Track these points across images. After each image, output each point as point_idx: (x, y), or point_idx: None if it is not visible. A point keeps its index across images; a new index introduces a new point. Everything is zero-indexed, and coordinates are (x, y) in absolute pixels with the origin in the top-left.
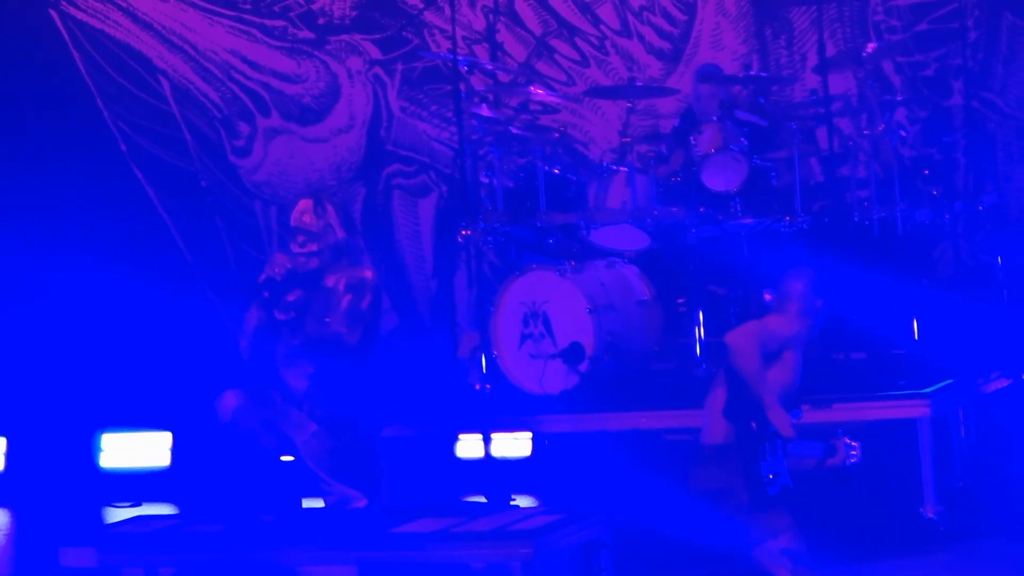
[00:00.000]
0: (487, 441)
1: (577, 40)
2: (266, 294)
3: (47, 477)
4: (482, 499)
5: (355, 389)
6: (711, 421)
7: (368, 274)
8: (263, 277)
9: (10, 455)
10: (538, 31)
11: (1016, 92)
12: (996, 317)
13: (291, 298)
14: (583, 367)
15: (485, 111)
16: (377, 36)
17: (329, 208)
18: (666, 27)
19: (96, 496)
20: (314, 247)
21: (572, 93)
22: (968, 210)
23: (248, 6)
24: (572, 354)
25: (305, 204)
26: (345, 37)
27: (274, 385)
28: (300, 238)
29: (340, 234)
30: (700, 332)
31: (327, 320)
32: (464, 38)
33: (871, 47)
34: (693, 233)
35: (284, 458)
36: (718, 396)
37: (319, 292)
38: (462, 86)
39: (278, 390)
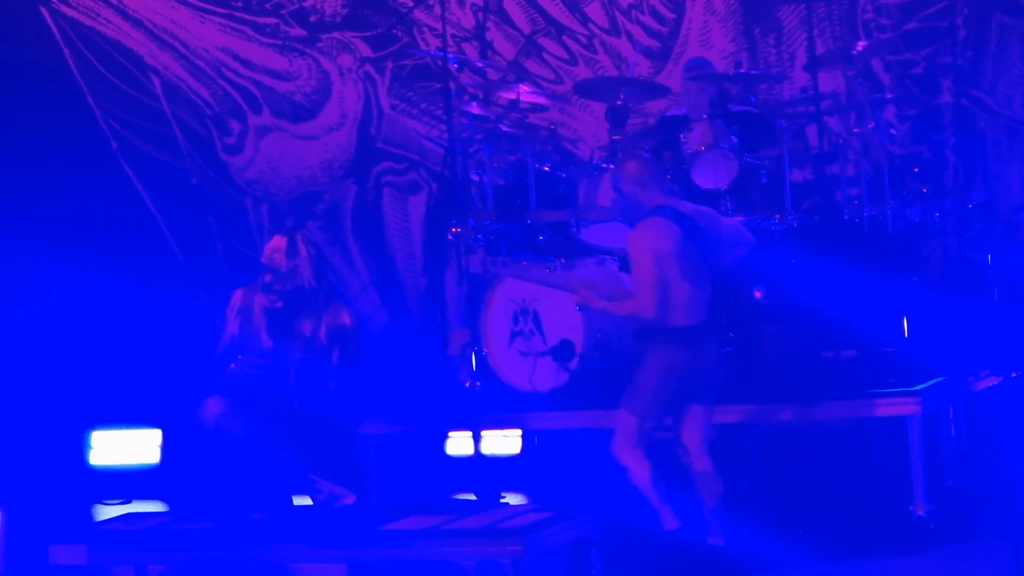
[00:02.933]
0: (477, 439)
1: (566, 38)
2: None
3: (37, 475)
4: (472, 496)
5: (340, 389)
6: None
7: (347, 319)
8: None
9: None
10: (527, 29)
11: (1005, 90)
12: (986, 315)
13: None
14: (573, 364)
15: (475, 109)
16: (368, 34)
17: (302, 250)
18: (655, 25)
19: (86, 494)
20: (280, 288)
21: (561, 91)
22: (958, 208)
23: (239, 3)
24: (562, 351)
25: (278, 242)
26: (336, 35)
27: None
28: (267, 276)
29: (308, 278)
30: None
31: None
32: (454, 36)
33: (860, 45)
34: None
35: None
36: None
37: (294, 338)
38: (452, 84)
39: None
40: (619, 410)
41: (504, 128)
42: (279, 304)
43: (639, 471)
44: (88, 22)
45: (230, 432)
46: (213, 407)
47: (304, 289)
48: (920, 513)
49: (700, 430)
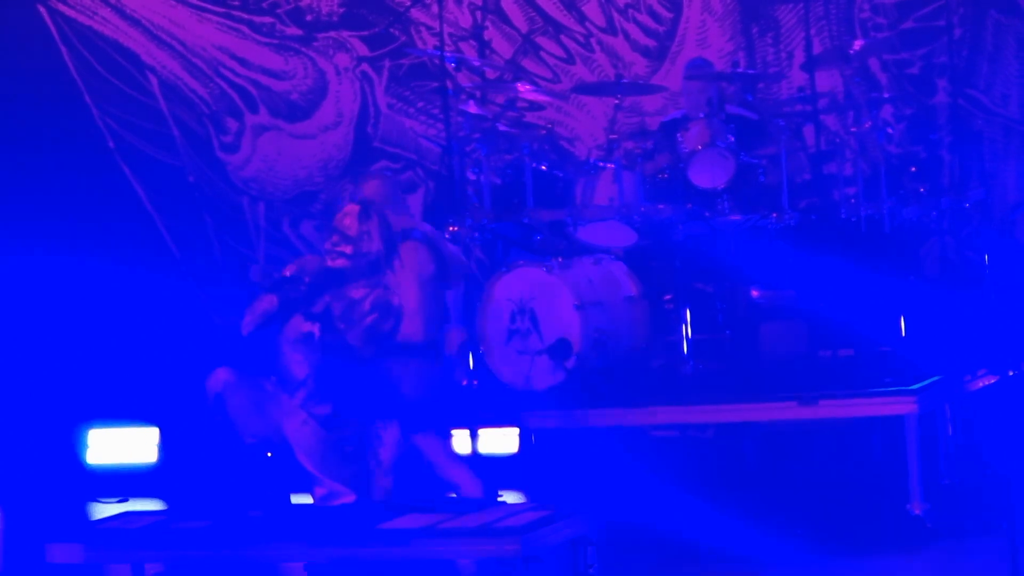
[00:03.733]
0: (474, 437)
1: (563, 37)
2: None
3: (34, 473)
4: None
5: (353, 385)
6: None
7: (396, 300)
8: (290, 272)
9: None
10: (524, 28)
11: (1001, 89)
12: (983, 314)
13: (317, 309)
14: (570, 363)
15: (472, 108)
16: (364, 33)
17: (374, 218)
18: (652, 24)
19: (83, 492)
20: (347, 249)
21: (559, 90)
22: (954, 207)
23: (237, 3)
24: (559, 350)
25: (351, 208)
26: (333, 34)
27: (269, 370)
28: (335, 237)
29: (376, 246)
30: (687, 329)
31: (341, 327)
32: (451, 35)
33: (857, 45)
34: (680, 230)
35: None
36: None
37: (342, 300)
38: (449, 83)
39: (273, 375)
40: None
41: (501, 127)
42: (341, 263)
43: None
44: (86, 21)
45: (233, 404)
46: (220, 375)
47: (370, 256)
48: (917, 511)
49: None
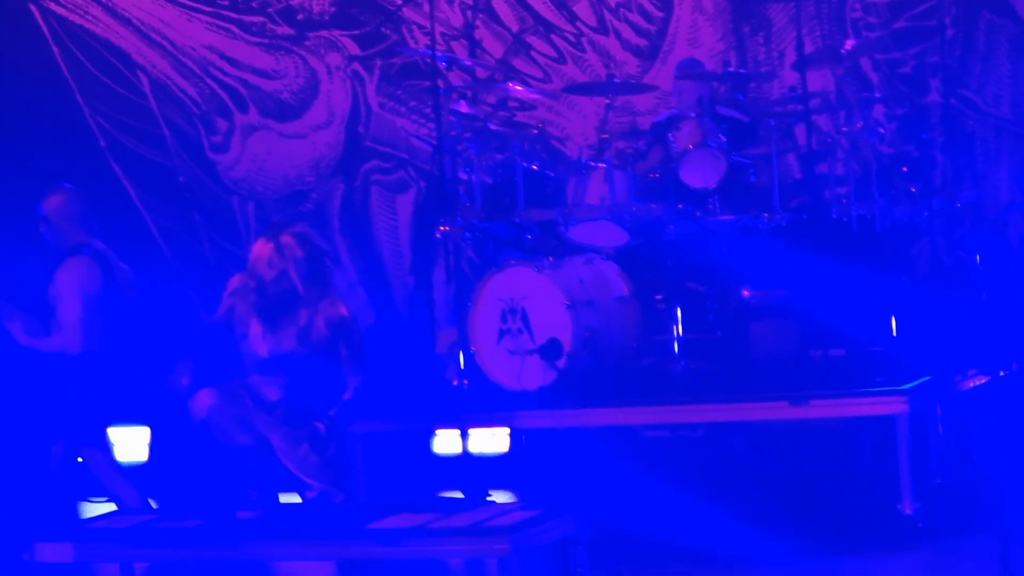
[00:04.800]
0: (464, 437)
1: (554, 37)
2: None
3: (23, 472)
4: (459, 495)
5: (330, 390)
6: None
7: (344, 311)
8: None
9: None
10: (515, 28)
11: (994, 89)
12: (974, 314)
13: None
14: (561, 363)
15: (463, 107)
16: (356, 32)
17: (288, 254)
18: (643, 24)
19: (72, 491)
20: (269, 291)
21: (550, 89)
22: (946, 207)
23: (227, 2)
24: (550, 350)
25: (260, 249)
26: (324, 33)
27: (244, 385)
28: (252, 283)
29: (297, 283)
30: (678, 329)
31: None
32: (442, 34)
33: (849, 44)
34: (671, 230)
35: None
36: None
37: (288, 332)
38: (440, 82)
39: (248, 390)
40: None
41: (492, 126)
42: (274, 290)
43: None
44: (77, 20)
45: (220, 424)
46: (204, 399)
47: (295, 291)
48: (907, 511)
49: None
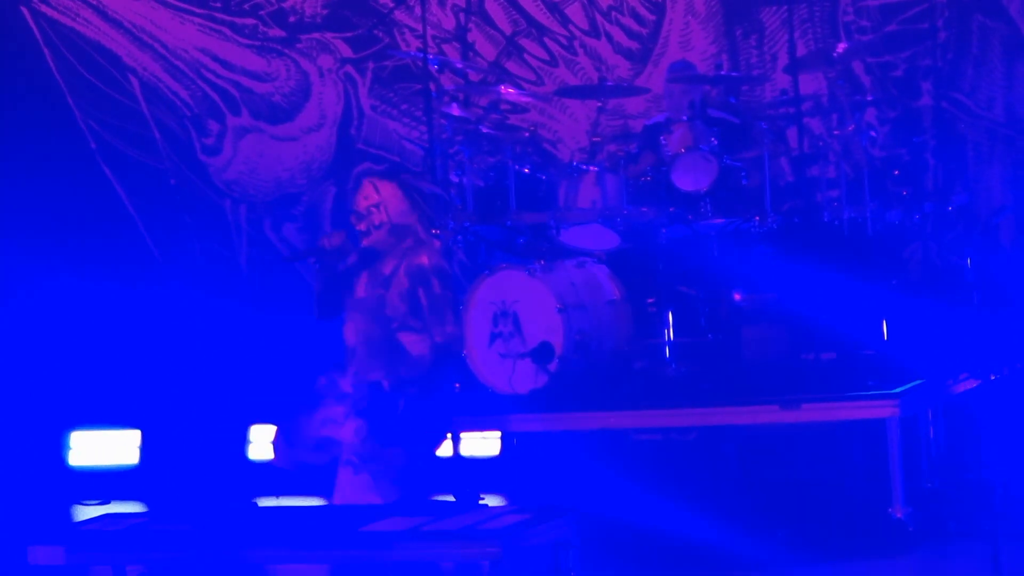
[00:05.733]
0: (456, 440)
1: (546, 40)
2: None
3: (16, 475)
4: (451, 498)
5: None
6: None
7: (426, 260)
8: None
9: None
10: (508, 31)
11: (986, 93)
12: (965, 318)
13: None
14: (552, 366)
15: (455, 110)
16: (348, 35)
17: (384, 191)
18: (635, 27)
19: (65, 494)
20: (362, 227)
21: (542, 92)
22: (938, 211)
23: (218, 4)
24: (541, 353)
25: (362, 185)
26: (316, 35)
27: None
28: (352, 218)
29: (393, 217)
30: (670, 332)
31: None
32: (434, 37)
33: (841, 47)
34: (663, 233)
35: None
36: None
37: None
38: (432, 85)
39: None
40: None
41: (484, 129)
42: (366, 242)
43: None
44: (68, 22)
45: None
46: (276, 449)
47: (395, 227)
48: (898, 515)
49: None
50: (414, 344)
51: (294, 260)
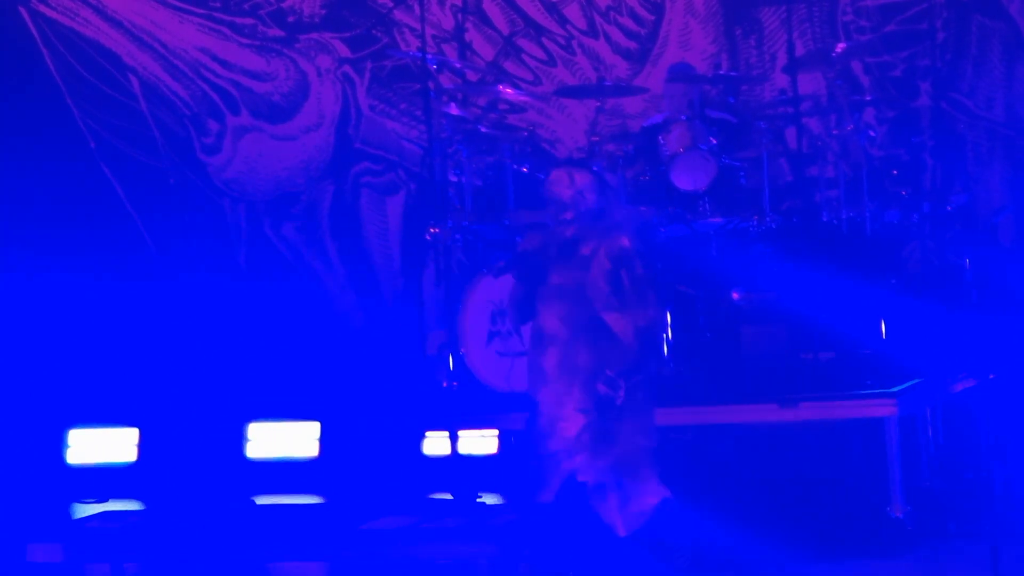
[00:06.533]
0: (454, 438)
1: (544, 40)
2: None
3: (14, 473)
4: (449, 496)
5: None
6: None
7: (626, 242)
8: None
9: None
10: (506, 30)
11: (985, 93)
12: (964, 318)
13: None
14: None
15: (454, 110)
16: (347, 34)
17: (578, 179)
18: (633, 27)
19: (63, 492)
20: (565, 216)
21: (540, 92)
22: (936, 211)
23: (218, 4)
24: None
25: (557, 175)
26: (315, 35)
27: None
28: (552, 208)
29: (592, 202)
30: (668, 331)
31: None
32: (433, 37)
33: (840, 47)
34: (662, 232)
35: None
36: None
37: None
38: (431, 85)
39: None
40: None
41: (482, 129)
42: (570, 232)
43: None
44: (67, 22)
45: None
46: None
47: (592, 211)
48: (897, 515)
49: None
50: (618, 323)
51: (503, 274)
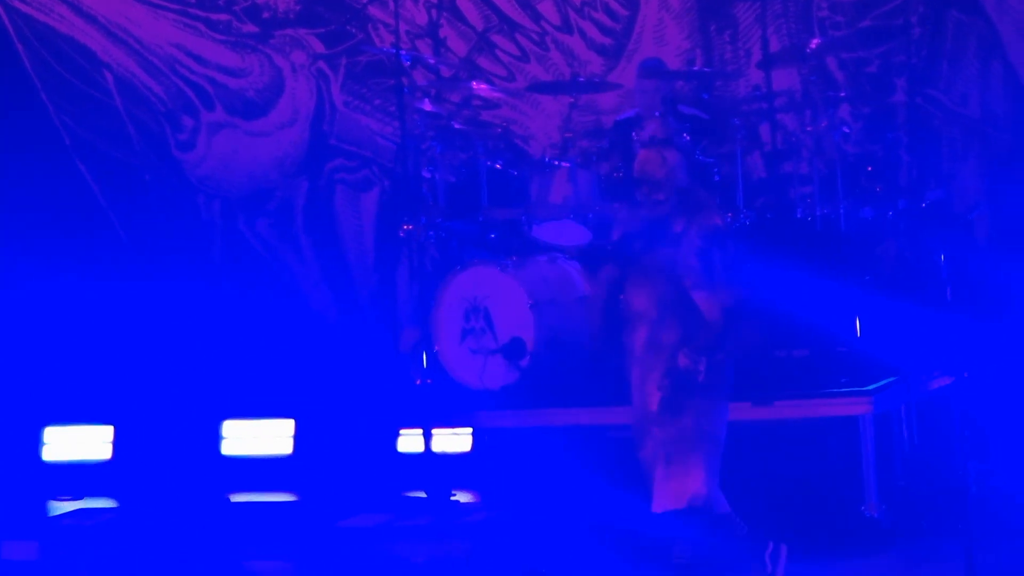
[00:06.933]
0: (428, 436)
1: (518, 36)
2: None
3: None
4: (423, 494)
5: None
6: None
7: (719, 220)
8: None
9: None
10: (480, 27)
11: (961, 89)
12: (939, 315)
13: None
14: (524, 362)
15: (427, 106)
16: (321, 30)
17: (670, 157)
18: (607, 23)
19: (38, 490)
20: (658, 196)
21: (514, 88)
22: (911, 207)
23: (193, 0)
24: (513, 349)
25: (646, 155)
26: (289, 31)
27: None
28: (644, 188)
29: (683, 180)
30: None
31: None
32: (407, 33)
33: (815, 43)
34: None
35: None
36: None
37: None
38: (405, 81)
39: None
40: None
41: (456, 125)
42: (662, 211)
43: None
44: (42, 18)
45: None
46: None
47: (682, 189)
48: (872, 513)
49: None
50: (705, 301)
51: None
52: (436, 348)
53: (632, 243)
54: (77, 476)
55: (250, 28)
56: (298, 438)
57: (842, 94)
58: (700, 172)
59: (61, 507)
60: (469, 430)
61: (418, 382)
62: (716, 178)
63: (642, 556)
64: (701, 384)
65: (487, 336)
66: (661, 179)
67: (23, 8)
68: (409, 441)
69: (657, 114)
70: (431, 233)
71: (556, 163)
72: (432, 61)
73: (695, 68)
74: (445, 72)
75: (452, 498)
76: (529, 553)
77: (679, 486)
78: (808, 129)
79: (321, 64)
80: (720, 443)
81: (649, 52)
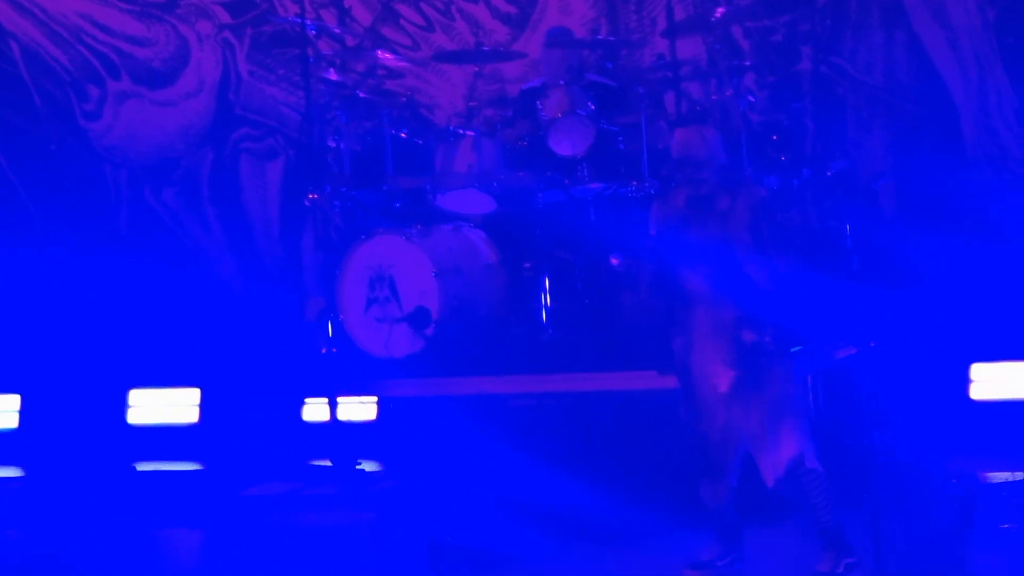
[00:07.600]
0: (333, 405)
1: (423, 5)
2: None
3: None
4: (328, 463)
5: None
6: None
7: (764, 192)
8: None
9: None
10: None
11: (866, 57)
12: (844, 285)
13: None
14: (429, 331)
15: (332, 75)
16: (226, 0)
17: (709, 135)
18: None
19: None
20: (700, 175)
21: (418, 58)
22: (816, 177)
23: None
24: (418, 318)
25: (683, 135)
26: (195, 1)
27: None
28: (686, 169)
29: (723, 157)
30: (546, 297)
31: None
32: (312, 2)
33: (720, 12)
34: (540, 197)
35: None
36: None
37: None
38: (310, 50)
39: None
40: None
41: (361, 94)
42: (705, 189)
43: None
44: None
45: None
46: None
47: (721, 166)
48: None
49: None
50: (759, 273)
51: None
52: (341, 317)
53: (673, 232)
54: None
55: None
56: (204, 407)
57: (747, 63)
58: (605, 140)
59: None
60: (374, 399)
61: (323, 351)
62: (621, 147)
63: (544, 523)
64: (773, 353)
65: (392, 305)
66: (704, 158)
67: None
68: (315, 410)
69: (562, 83)
70: (336, 202)
71: (461, 132)
72: (337, 31)
73: (600, 37)
74: (350, 42)
75: (358, 467)
76: (434, 521)
77: (777, 456)
78: (713, 98)
79: (227, 34)
80: (805, 403)
81: (554, 21)
